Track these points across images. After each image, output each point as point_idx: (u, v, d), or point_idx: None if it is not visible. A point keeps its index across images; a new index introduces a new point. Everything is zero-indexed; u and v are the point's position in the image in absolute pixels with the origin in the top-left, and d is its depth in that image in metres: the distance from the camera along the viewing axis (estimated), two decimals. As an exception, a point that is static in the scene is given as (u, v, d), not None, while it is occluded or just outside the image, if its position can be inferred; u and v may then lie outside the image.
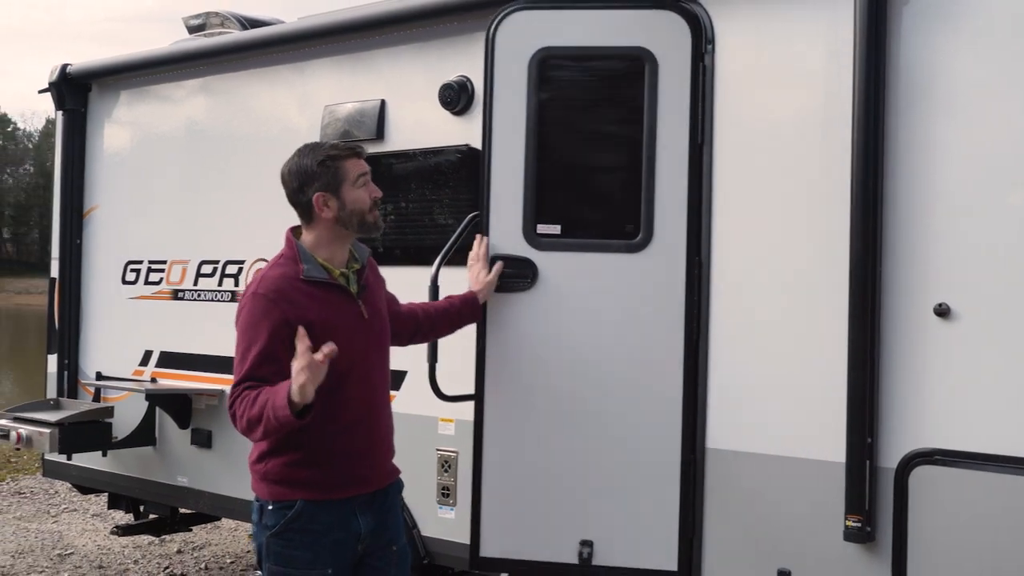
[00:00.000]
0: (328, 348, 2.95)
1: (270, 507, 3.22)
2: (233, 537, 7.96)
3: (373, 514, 3.33)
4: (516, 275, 4.05)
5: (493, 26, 4.13)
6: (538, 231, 4.08)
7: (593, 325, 4.03)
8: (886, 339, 3.57)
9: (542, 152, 4.09)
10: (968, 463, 3.40)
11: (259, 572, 3.33)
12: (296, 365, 2.94)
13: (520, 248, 4.07)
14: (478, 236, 4.10)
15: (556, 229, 4.06)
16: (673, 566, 3.92)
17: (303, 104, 5.35)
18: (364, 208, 3.31)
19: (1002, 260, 3.39)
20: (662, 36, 3.97)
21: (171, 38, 6.23)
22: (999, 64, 3.43)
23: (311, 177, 3.28)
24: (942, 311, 3.45)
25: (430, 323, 3.86)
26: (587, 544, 3.98)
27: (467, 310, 3.95)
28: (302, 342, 2.96)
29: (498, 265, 4.03)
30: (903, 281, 3.55)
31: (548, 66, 4.10)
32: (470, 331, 4.08)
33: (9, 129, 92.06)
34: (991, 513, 3.36)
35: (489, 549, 4.09)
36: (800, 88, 3.80)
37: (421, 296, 4.01)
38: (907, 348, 3.54)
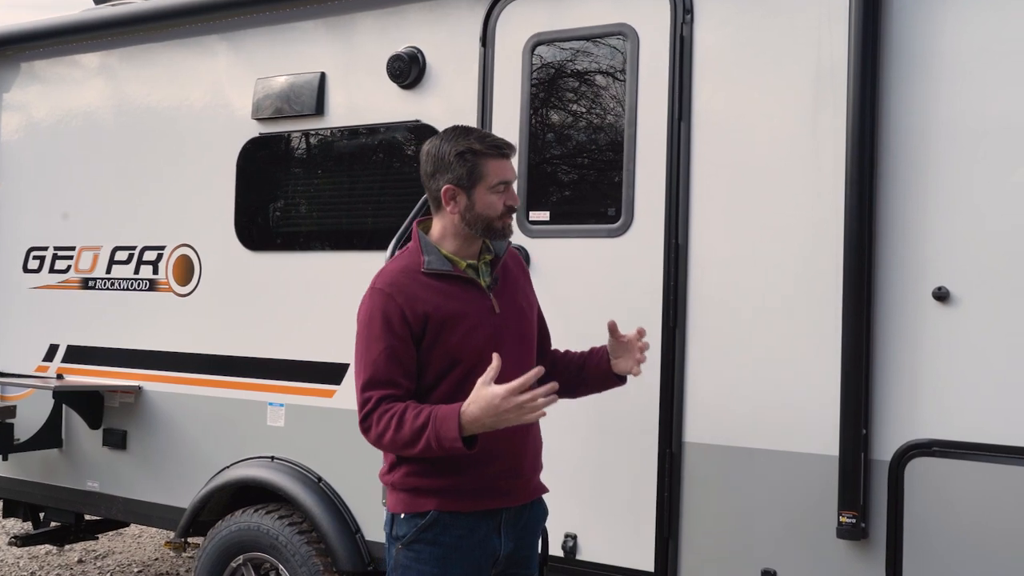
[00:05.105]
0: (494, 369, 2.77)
1: (401, 517, 3.00)
2: (138, 544, 7.48)
3: (515, 535, 3.06)
4: None
5: (493, 16, 4.07)
6: (529, 218, 4.00)
7: (579, 314, 3.82)
8: (881, 324, 3.39)
9: (535, 139, 4.03)
10: (967, 454, 3.24)
11: None
12: (493, 393, 2.72)
13: (515, 236, 3.87)
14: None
15: (545, 216, 3.96)
16: (649, 566, 3.71)
17: (231, 77, 4.96)
18: (493, 215, 3.00)
19: (1006, 241, 3.23)
20: (643, 9, 3.80)
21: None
22: (1001, 38, 3.28)
23: (446, 166, 2.98)
24: (941, 295, 3.29)
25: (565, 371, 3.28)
26: (571, 537, 3.87)
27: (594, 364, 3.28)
28: (491, 372, 2.75)
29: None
30: (900, 263, 3.37)
31: (540, 53, 4.02)
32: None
33: None
34: (991, 506, 3.21)
35: None
36: (786, 60, 3.59)
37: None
38: (904, 334, 3.36)
